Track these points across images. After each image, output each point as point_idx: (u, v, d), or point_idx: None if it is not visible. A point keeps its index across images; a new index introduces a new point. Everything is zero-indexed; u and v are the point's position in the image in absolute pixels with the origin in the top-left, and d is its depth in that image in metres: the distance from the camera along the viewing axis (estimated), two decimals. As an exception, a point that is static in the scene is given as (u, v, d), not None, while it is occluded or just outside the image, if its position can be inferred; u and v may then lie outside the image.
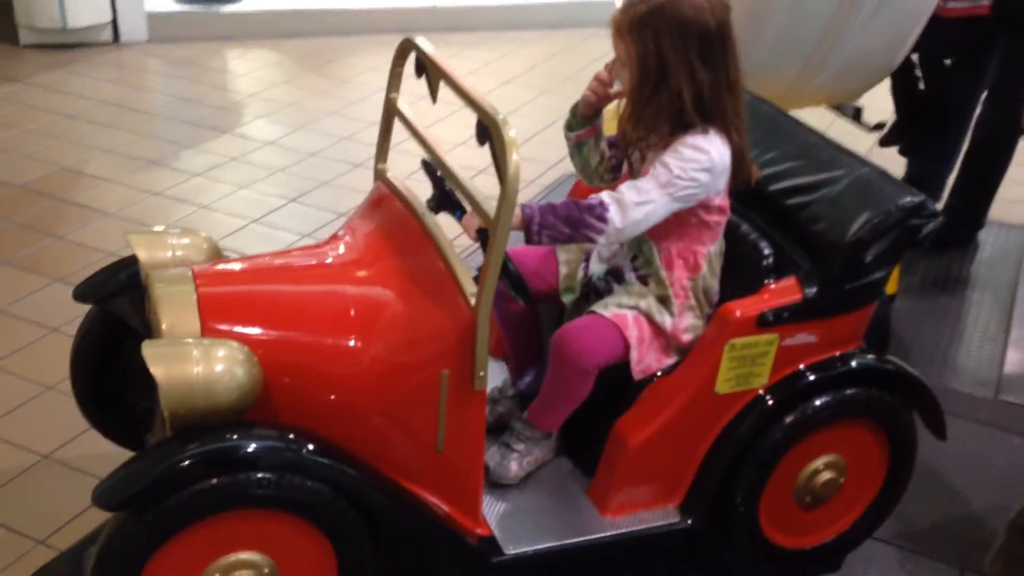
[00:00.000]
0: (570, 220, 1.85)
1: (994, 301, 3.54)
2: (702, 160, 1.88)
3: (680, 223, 1.96)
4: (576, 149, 2.13)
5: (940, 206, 3.53)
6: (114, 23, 5.30)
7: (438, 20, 5.94)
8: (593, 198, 1.88)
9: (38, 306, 3.05)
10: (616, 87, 2.01)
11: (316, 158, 4.27)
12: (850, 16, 2.87)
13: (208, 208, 3.81)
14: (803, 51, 2.96)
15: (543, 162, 4.31)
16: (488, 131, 1.72)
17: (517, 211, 1.82)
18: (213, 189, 3.96)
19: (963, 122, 3.59)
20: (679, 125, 1.91)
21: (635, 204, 1.86)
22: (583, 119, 2.07)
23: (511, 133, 1.67)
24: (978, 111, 3.58)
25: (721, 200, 1.98)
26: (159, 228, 2.10)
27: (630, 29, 1.88)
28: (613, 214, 1.85)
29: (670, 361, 2.02)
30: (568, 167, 4.23)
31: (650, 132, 1.93)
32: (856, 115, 3.45)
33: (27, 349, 2.86)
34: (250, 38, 5.59)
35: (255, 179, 4.07)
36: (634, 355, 1.96)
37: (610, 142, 2.13)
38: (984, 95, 3.53)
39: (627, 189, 1.88)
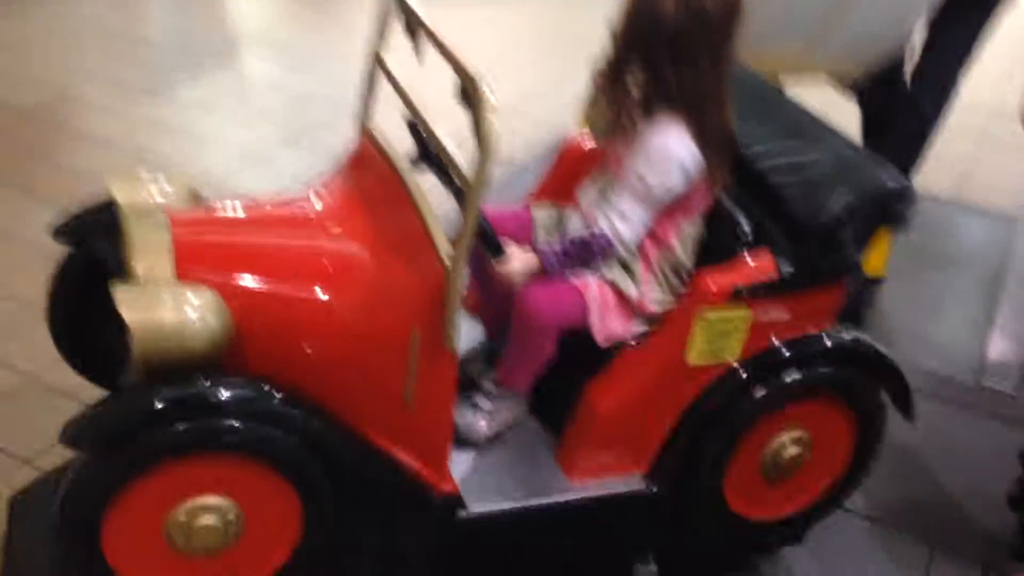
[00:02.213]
0: (585, 262, 1.98)
1: (979, 287, 3.55)
2: (673, 166, 1.89)
3: None
4: (592, 94, 2.10)
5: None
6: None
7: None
8: (599, 236, 1.93)
9: (33, 229, 3.05)
10: None
11: (314, 100, 4.25)
12: None
13: (203, 141, 3.80)
14: (810, 19, 2.92)
15: (543, 123, 4.28)
16: (468, 92, 1.70)
17: (534, 260, 1.94)
18: (209, 122, 3.95)
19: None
20: (646, 111, 1.91)
21: (629, 232, 1.94)
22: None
23: (489, 95, 1.66)
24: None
25: (696, 185, 1.96)
26: (142, 174, 2.09)
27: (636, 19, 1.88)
28: (618, 245, 1.95)
29: (638, 329, 2.02)
30: (564, 129, 4.21)
31: (618, 115, 1.93)
32: (858, 90, 3.40)
33: (22, 270, 2.87)
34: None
35: (252, 116, 4.06)
36: (594, 320, 1.98)
37: None
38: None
39: (619, 222, 1.93)
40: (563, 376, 2.06)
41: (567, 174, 2.30)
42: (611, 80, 1.94)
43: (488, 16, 5.56)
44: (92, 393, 2.12)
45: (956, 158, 4.36)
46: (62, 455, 2.22)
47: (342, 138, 2.17)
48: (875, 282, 3.28)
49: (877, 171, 1.99)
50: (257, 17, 5.07)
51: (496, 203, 2.06)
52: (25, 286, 2.77)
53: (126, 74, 4.22)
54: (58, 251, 2.07)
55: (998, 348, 3.22)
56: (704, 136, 1.90)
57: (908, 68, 3.33)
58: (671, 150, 1.89)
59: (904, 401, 2.16)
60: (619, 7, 1.89)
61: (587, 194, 2.08)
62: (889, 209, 1.96)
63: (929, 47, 3.28)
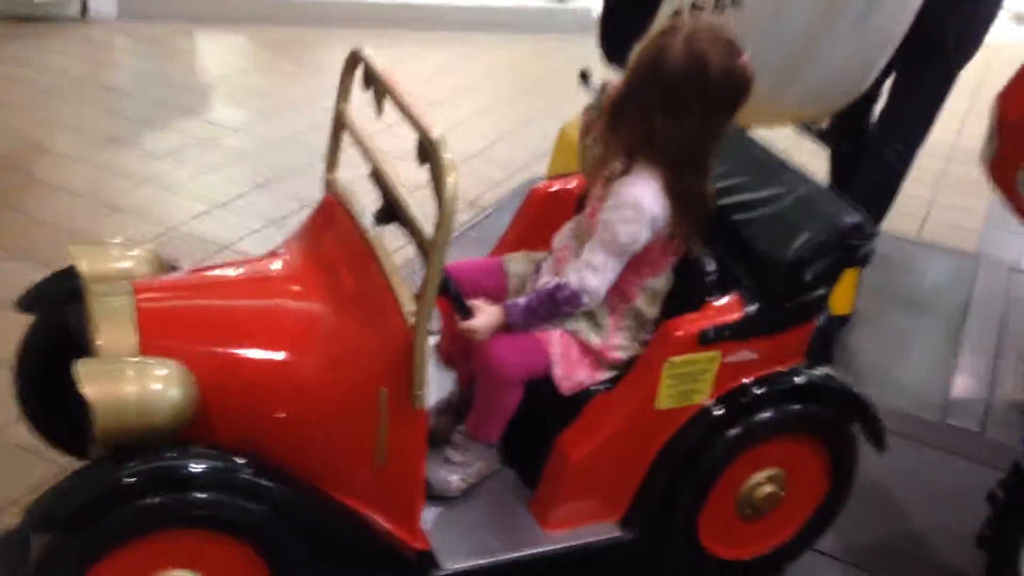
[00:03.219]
0: (551, 316, 1.98)
1: (943, 327, 3.58)
2: (644, 219, 1.90)
3: None
4: (582, 135, 2.13)
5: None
6: (83, -2, 5.25)
7: (413, 16, 5.91)
8: (564, 288, 1.93)
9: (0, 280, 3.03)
10: None
11: (284, 146, 4.25)
12: (824, 36, 2.83)
13: (172, 191, 3.79)
14: (776, 67, 2.93)
15: (511, 166, 4.29)
16: (427, 151, 1.71)
17: (499, 314, 1.94)
18: (178, 171, 3.93)
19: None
20: (629, 158, 1.92)
21: (598, 284, 1.94)
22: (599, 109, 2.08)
23: (448, 156, 1.67)
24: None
25: (665, 240, 1.97)
26: (104, 241, 2.08)
27: (643, 61, 1.89)
28: (586, 300, 1.95)
29: (602, 376, 2.03)
30: (535, 171, 4.23)
31: (607, 157, 1.95)
32: (822, 135, 3.44)
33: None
34: (221, 22, 5.54)
35: (221, 163, 4.04)
36: (557, 371, 1.98)
37: None
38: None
39: (588, 274, 1.93)
40: (535, 426, 2.06)
41: (535, 220, 2.32)
42: (608, 120, 1.95)
43: (454, 58, 5.59)
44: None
45: (917, 199, 4.41)
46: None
47: (312, 183, 2.17)
48: (841, 320, 3.30)
49: (835, 208, 2.01)
50: (225, 64, 5.07)
51: (464, 248, 2.06)
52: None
53: (93, 123, 4.20)
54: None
55: (962, 386, 3.24)
56: (676, 195, 1.91)
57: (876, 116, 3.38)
58: (642, 202, 1.90)
59: (876, 434, 2.17)
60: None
61: (562, 241, 2.09)
62: (847, 244, 1.97)
63: (895, 96, 3.32)
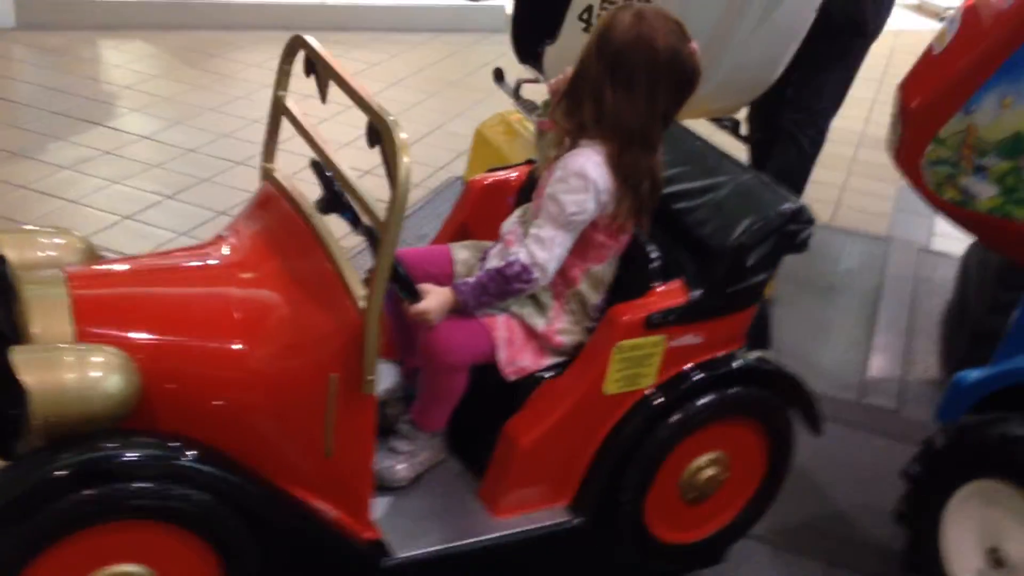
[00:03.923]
0: (502, 294, 1.96)
1: (858, 309, 3.71)
2: (588, 188, 1.91)
3: None
4: (539, 137, 2.18)
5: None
6: (-22, 7, 5.04)
7: (325, 18, 5.84)
8: (513, 264, 1.92)
9: None
10: None
11: (195, 154, 4.15)
12: (731, 32, 2.94)
13: (77, 203, 3.65)
14: None
15: (429, 165, 4.30)
16: (379, 133, 1.70)
17: (449, 296, 1.92)
18: (84, 183, 3.80)
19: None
20: (579, 135, 1.94)
21: (548, 257, 1.93)
22: (548, 108, 2.12)
23: (402, 136, 1.67)
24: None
25: (608, 222, 1.98)
26: (30, 227, 1.99)
27: (592, 37, 1.93)
28: (537, 274, 1.93)
29: (546, 362, 2.04)
30: (455, 171, 4.24)
31: (566, 131, 1.97)
32: (734, 128, 3.55)
33: None
34: (126, 28, 5.38)
35: (129, 174, 3.92)
36: (501, 355, 1.98)
37: None
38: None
39: (536, 248, 1.93)
40: (480, 414, 2.05)
41: (473, 213, 2.32)
42: (564, 104, 1.97)
43: (373, 59, 5.57)
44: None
45: (829, 185, 4.56)
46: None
47: (226, 191, 2.12)
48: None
49: (774, 195, 2.07)
50: (130, 71, 4.92)
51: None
52: None
53: (-7, 136, 4.04)
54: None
55: (877, 365, 3.36)
56: (620, 167, 1.93)
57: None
58: (587, 172, 1.91)
59: (812, 417, 2.24)
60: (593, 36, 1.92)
61: (510, 227, 2.09)
62: (787, 230, 2.04)
63: (808, 84, 3.42)
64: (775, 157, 3.46)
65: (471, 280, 1.96)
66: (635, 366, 2.01)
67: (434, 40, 6.02)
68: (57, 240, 1.95)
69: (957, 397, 2.26)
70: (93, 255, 1.99)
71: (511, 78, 3.53)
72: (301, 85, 2.01)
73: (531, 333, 2.02)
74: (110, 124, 4.32)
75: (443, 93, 5.15)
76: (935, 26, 5.57)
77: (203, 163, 4.06)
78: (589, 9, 2.99)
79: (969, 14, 2.96)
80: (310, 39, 1.92)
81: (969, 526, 2.19)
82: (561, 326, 2.04)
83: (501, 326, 1.99)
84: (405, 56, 5.73)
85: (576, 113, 1.95)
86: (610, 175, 1.93)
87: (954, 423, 2.20)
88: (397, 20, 6.10)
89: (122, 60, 5.09)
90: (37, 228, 2.00)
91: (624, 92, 1.89)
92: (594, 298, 2.06)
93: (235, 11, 5.69)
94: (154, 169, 3.99)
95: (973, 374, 2.24)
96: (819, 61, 3.35)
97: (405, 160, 1.66)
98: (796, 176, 3.46)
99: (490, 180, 2.35)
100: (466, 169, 3.80)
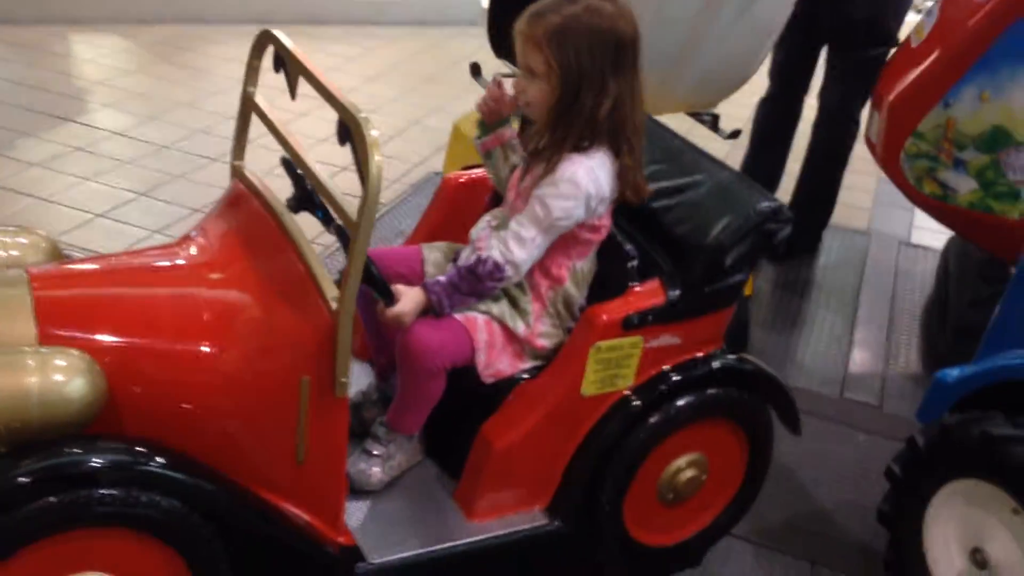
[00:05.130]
0: (474, 292, 1.92)
1: (839, 304, 3.70)
2: (579, 196, 1.88)
3: None
4: (485, 158, 2.14)
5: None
6: (-55, 1, 4.96)
7: (299, 11, 5.79)
8: (486, 261, 1.89)
9: None
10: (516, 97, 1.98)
11: (169, 151, 4.09)
12: (709, 26, 2.93)
13: (49, 201, 3.59)
14: (665, 58, 3.00)
15: (407, 160, 4.26)
16: (349, 131, 1.66)
17: (421, 296, 1.88)
18: (55, 180, 3.74)
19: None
20: (580, 141, 1.89)
21: (524, 257, 1.90)
22: (487, 128, 2.09)
23: (373, 133, 1.63)
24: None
25: (596, 220, 1.96)
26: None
27: (549, 40, 1.84)
28: (510, 272, 1.90)
29: (524, 366, 2.01)
30: (432, 166, 4.21)
31: (560, 145, 1.90)
32: (714, 123, 3.53)
33: None
34: (97, 22, 5.31)
35: (102, 171, 3.86)
36: (480, 359, 1.95)
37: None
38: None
39: (515, 245, 1.89)
40: (456, 416, 2.02)
41: (449, 211, 2.28)
42: (565, 110, 1.89)
43: (350, 53, 5.52)
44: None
45: None
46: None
47: (200, 188, 2.08)
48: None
49: (752, 194, 2.04)
50: (102, 67, 4.84)
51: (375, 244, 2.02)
52: None
53: (-40, 131, 3.97)
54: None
55: (859, 361, 3.36)
56: (620, 165, 1.91)
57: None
58: (579, 179, 1.88)
59: (791, 417, 2.22)
60: (555, 39, 1.86)
61: (480, 232, 2.05)
62: (765, 229, 2.01)
63: (847, 81, 3.56)
64: (830, 144, 3.70)
65: (442, 279, 1.92)
66: (613, 367, 1.98)
67: (409, 34, 5.98)
68: (20, 239, 1.91)
69: (939, 396, 2.24)
70: (58, 254, 1.94)
71: (488, 72, 3.49)
72: (272, 80, 1.97)
73: (511, 336, 1.99)
74: (82, 120, 4.26)
75: (420, 88, 5.11)
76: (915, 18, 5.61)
77: (177, 160, 4.01)
78: None
79: (947, 7, 2.95)
80: (279, 34, 1.88)
81: (952, 526, 2.16)
82: (543, 329, 2.01)
83: (482, 329, 1.95)
84: (382, 50, 5.69)
85: (566, 131, 1.89)
86: (614, 181, 1.91)
87: (936, 422, 2.19)
88: (371, 14, 6.06)
89: (94, 55, 5.02)
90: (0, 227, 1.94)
91: (623, 79, 1.86)
92: (579, 296, 2.03)
93: (209, 4, 5.62)
94: (127, 166, 3.93)
95: (954, 372, 2.22)
96: (859, 59, 3.53)
97: (376, 158, 1.62)
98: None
99: (464, 178, 2.32)
100: (444, 164, 3.77)
